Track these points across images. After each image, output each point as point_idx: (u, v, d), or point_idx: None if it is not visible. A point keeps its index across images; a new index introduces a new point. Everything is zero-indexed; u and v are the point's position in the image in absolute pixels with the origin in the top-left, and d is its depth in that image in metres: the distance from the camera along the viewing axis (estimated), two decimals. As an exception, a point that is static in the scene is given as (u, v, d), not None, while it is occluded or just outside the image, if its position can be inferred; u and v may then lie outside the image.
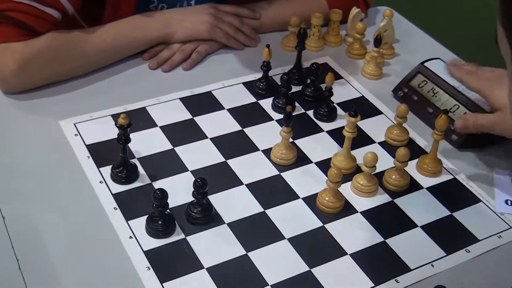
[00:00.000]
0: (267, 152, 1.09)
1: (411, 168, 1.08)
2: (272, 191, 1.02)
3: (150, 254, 0.90)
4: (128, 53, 1.27)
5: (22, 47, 1.14)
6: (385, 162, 1.07)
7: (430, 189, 1.05)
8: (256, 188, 1.02)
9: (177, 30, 1.28)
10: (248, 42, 1.35)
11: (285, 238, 0.94)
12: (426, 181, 1.06)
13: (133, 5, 1.29)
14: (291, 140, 1.09)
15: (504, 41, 0.51)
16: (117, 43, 1.24)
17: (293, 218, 0.98)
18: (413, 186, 1.05)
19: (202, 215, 0.95)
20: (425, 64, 1.24)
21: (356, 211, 1.00)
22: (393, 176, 1.04)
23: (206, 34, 1.30)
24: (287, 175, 1.05)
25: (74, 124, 1.12)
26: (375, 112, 1.21)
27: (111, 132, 1.10)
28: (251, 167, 1.06)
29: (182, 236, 0.93)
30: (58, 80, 1.20)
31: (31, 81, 1.17)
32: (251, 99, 1.21)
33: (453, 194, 1.04)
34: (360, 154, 1.07)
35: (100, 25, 1.24)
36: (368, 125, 1.16)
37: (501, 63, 0.56)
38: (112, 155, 1.05)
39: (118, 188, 1.00)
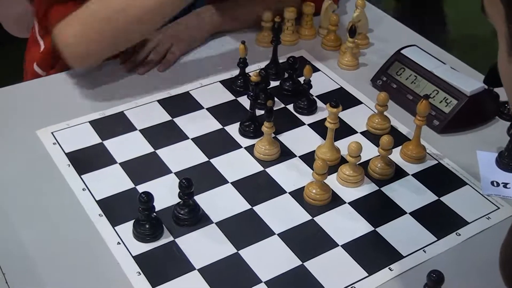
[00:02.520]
0: (250, 149, 1.08)
1: (395, 155, 1.07)
2: (258, 188, 1.01)
3: (140, 259, 0.89)
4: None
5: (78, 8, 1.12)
6: (368, 151, 1.07)
7: (416, 175, 1.05)
8: (242, 186, 1.01)
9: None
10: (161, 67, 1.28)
11: (275, 234, 0.93)
12: (411, 168, 1.06)
13: None
14: (273, 135, 1.08)
15: (495, 4, 0.51)
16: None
17: (281, 213, 0.97)
18: (399, 173, 1.05)
19: (190, 216, 0.94)
20: (402, 51, 1.24)
21: (344, 202, 0.99)
22: (378, 165, 1.04)
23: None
24: (272, 171, 1.04)
25: (52, 133, 1.10)
26: (355, 102, 1.20)
27: (90, 139, 1.09)
28: (235, 165, 1.05)
29: (171, 238, 0.92)
30: (117, 46, 1.18)
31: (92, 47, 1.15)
32: (230, 96, 1.20)
33: (439, 179, 1.04)
34: (342, 145, 1.07)
35: None
36: (349, 116, 1.15)
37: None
38: (93, 161, 1.04)
39: (102, 194, 0.98)
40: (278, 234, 0.93)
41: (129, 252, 0.90)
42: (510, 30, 0.50)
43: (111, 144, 1.08)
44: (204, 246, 0.91)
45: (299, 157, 1.07)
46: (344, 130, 1.11)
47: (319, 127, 1.12)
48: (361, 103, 1.20)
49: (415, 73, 1.20)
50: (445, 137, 1.13)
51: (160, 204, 0.94)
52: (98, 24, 1.14)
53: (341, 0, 1.48)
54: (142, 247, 0.91)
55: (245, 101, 1.18)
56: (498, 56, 0.55)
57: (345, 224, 0.96)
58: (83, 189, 0.99)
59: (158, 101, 1.18)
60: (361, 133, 1.13)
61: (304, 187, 1.00)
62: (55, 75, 1.25)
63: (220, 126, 1.13)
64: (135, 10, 1.13)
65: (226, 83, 1.23)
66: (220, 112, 1.16)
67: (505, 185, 1.04)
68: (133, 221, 0.92)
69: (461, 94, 1.13)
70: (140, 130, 1.11)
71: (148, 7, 1.13)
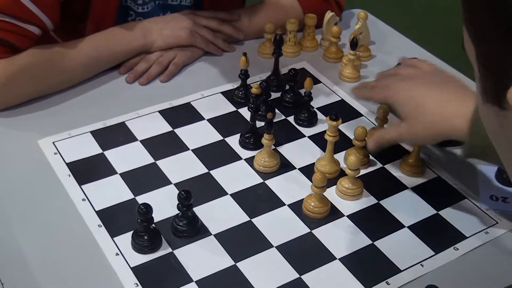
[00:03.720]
0: (250, 161, 1.08)
1: (395, 168, 1.08)
2: (257, 200, 1.02)
3: (138, 270, 0.89)
4: (110, 64, 1.26)
5: (4, 65, 1.13)
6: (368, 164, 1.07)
7: (415, 188, 1.05)
8: (241, 198, 1.01)
9: (157, 39, 1.28)
10: (226, 47, 1.35)
11: (273, 246, 0.94)
12: (410, 181, 1.06)
13: (113, 19, 1.29)
14: (273, 147, 1.08)
15: (468, 43, 0.49)
16: (99, 56, 1.23)
17: (280, 225, 0.97)
18: (398, 186, 1.05)
19: (188, 228, 0.94)
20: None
21: (342, 215, 0.99)
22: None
23: (186, 40, 1.30)
24: (271, 183, 1.05)
25: (53, 142, 1.10)
26: (356, 114, 1.21)
27: (91, 149, 1.09)
28: (235, 177, 1.05)
29: (169, 250, 0.92)
30: (42, 95, 1.19)
31: (15, 98, 1.17)
32: (231, 108, 1.21)
33: (437, 193, 1.04)
34: (342, 157, 1.07)
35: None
36: (349, 128, 1.16)
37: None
38: (93, 171, 1.04)
39: (101, 204, 0.99)
40: (276, 247, 0.93)
41: (127, 263, 0.90)
42: (480, 72, 0.48)
43: (111, 155, 1.08)
44: (202, 258, 0.92)
45: (298, 169, 1.07)
46: (344, 143, 1.11)
47: (319, 139, 1.12)
48: (362, 115, 1.21)
49: (416, 86, 1.20)
50: (444, 150, 1.13)
51: (159, 215, 0.95)
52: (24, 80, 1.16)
53: (343, 13, 1.48)
54: (141, 258, 0.91)
55: (246, 112, 1.18)
56: (476, 96, 0.52)
57: (343, 237, 0.96)
58: (83, 199, 1.00)
59: (159, 111, 1.19)
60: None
61: (303, 199, 1.00)
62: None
63: (220, 138, 1.13)
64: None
65: (227, 94, 1.24)
66: (221, 123, 1.17)
67: (504, 199, 1.04)
68: (132, 232, 0.93)
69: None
70: (141, 141, 1.12)
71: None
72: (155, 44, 1.29)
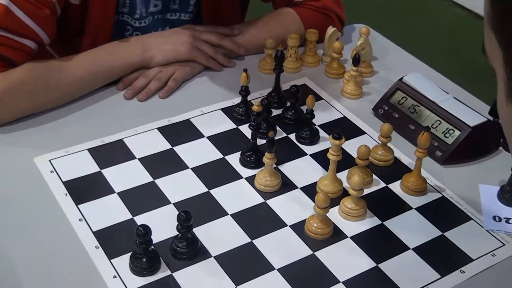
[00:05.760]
0: (250, 180, 1.06)
1: (396, 187, 1.06)
2: (259, 220, 1.00)
3: (136, 294, 0.87)
4: (108, 80, 1.24)
5: (0, 79, 1.10)
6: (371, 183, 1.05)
7: (419, 209, 1.03)
8: (242, 218, 0.99)
9: (156, 54, 1.27)
10: (226, 62, 1.33)
11: (275, 269, 0.91)
12: (414, 201, 1.04)
13: (109, 34, 1.27)
14: (274, 165, 1.06)
15: (494, 46, 0.50)
16: (96, 71, 1.21)
17: (281, 247, 0.95)
18: (402, 207, 1.03)
19: (188, 250, 0.92)
20: (404, 79, 1.22)
21: (346, 236, 0.97)
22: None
23: (186, 55, 1.28)
24: (272, 203, 1.02)
25: (50, 160, 1.08)
26: (358, 132, 1.19)
27: (88, 167, 1.07)
28: (235, 196, 1.03)
29: (168, 272, 0.90)
30: (37, 111, 1.17)
31: (11, 113, 1.14)
32: (231, 125, 1.18)
33: (442, 213, 1.02)
34: (345, 176, 1.05)
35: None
36: (352, 146, 1.13)
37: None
38: (91, 191, 1.02)
39: (99, 225, 0.97)
40: (277, 269, 0.91)
41: (126, 286, 0.88)
42: (508, 74, 0.49)
43: (109, 173, 1.06)
44: (202, 281, 0.89)
45: (300, 188, 1.05)
46: (347, 161, 1.09)
47: (321, 158, 1.10)
48: (365, 133, 1.18)
49: (417, 102, 1.18)
50: (447, 168, 1.12)
51: (158, 236, 0.93)
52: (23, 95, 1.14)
53: (345, 28, 1.47)
54: (139, 281, 0.89)
55: (246, 129, 1.16)
56: (497, 98, 0.54)
57: (346, 260, 0.94)
58: (80, 220, 0.97)
59: (158, 128, 1.16)
60: (364, 164, 1.11)
61: (305, 220, 0.98)
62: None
63: (220, 156, 1.11)
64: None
65: (227, 111, 1.21)
66: (221, 141, 1.14)
67: (508, 220, 1.02)
68: (130, 253, 0.91)
69: (464, 125, 1.12)
70: (139, 159, 1.09)
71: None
72: (154, 60, 1.27)
